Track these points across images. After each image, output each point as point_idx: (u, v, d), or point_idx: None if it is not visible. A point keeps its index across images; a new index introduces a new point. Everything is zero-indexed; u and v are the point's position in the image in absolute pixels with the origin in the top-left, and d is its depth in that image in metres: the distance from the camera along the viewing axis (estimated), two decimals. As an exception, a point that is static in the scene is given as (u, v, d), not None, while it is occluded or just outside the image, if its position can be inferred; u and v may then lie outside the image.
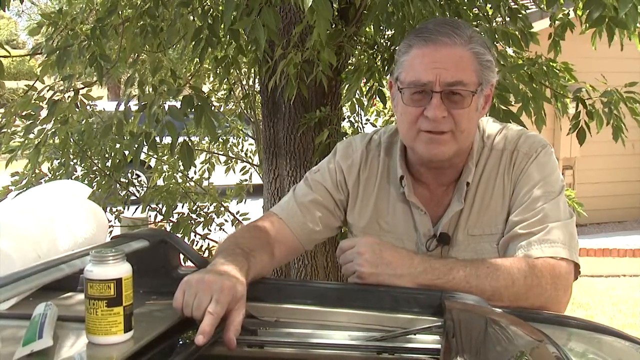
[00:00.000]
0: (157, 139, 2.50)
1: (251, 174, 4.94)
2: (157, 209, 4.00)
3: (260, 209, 3.80)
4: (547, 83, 2.86)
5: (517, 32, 2.69)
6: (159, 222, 4.04)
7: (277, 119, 3.24)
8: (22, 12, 22.07)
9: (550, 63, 2.92)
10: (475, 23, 2.70)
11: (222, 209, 4.30)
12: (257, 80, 4.27)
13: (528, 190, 1.40)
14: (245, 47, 2.80)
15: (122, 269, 1.02)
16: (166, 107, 2.46)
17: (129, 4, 3.19)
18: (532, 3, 3.41)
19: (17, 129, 3.24)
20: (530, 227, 1.36)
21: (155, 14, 2.71)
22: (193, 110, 2.42)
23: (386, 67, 2.81)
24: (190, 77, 4.41)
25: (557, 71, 2.94)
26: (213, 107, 2.68)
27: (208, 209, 4.25)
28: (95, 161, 3.65)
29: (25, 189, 3.30)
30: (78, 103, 2.93)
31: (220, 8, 2.56)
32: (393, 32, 2.74)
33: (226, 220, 4.27)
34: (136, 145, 2.48)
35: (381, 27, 2.94)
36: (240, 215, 4.18)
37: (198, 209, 4.15)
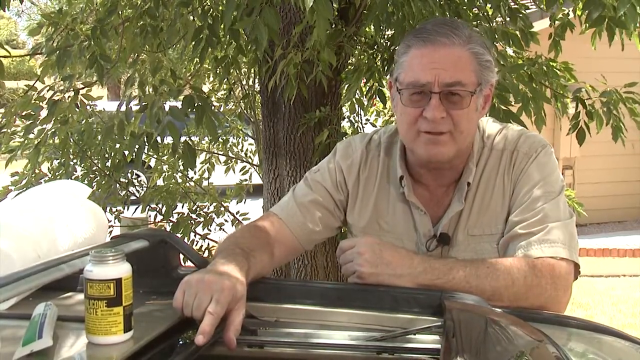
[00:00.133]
0: (159, 139, 2.50)
1: (251, 174, 4.94)
2: (157, 209, 4.00)
3: (260, 209, 3.80)
4: (547, 83, 2.86)
5: (517, 32, 2.69)
6: (158, 222, 4.04)
7: (277, 119, 3.24)
8: (22, 12, 22.08)
9: (550, 63, 2.92)
10: (475, 23, 2.70)
11: (222, 209, 4.30)
12: (257, 80, 4.27)
13: (528, 190, 1.40)
14: (245, 47, 2.80)
15: (122, 269, 1.02)
16: (166, 107, 2.47)
17: (129, 4, 3.19)
18: (532, 3, 3.41)
19: (17, 129, 3.24)
20: (530, 227, 1.36)
21: (155, 14, 2.71)
22: (194, 110, 2.42)
23: (386, 67, 2.81)
24: (190, 77, 4.41)
25: (557, 71, 2.94)
26: (213, 107, 2.68)
27: (208, 209, 4.25)
28: (95, 161, 3.65)
29: (25, 189, 3.30)
30: (78, 103, 2.93)
31: (221, 8, 2.56)
32: (393, 32, 2.74)
33: (226, 220, 4.27)
34: (137, 146, 2.48)
35: (381, 27, 2.94)
36: (240, 215, 4.17)
37: (198, 209, 4.15)
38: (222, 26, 2.52)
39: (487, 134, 1.49)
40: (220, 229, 4.15)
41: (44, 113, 2.95)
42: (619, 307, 5.66)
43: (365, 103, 3.65)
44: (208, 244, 4.08)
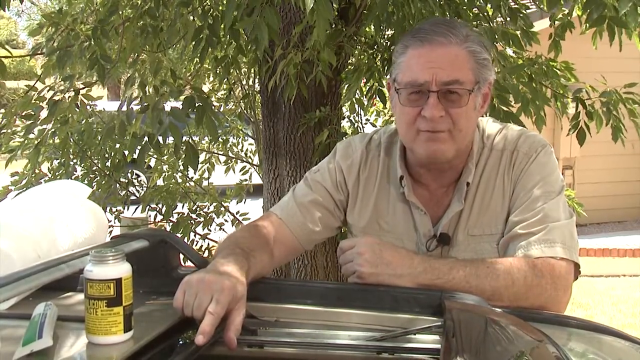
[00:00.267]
0: (160, 139, 2.50)
1: (251, 174, 4.94)
2: (157, 209, 4.00)
3: (260, 209, 3.80)
4: (547, 83, 2.86)
5: (517, 32, 2.69)
6: (158, 222, 4.04)
7: (277, 119, 3.24)
8: (22, 12, 22.09)
9: (550, 63, 2.92)
10: (475, 23, 2.70)
11: (222, 209, 4.30)
12: (257, 80, 4.27)
13: (528, 190, 1.40)
14: (245, 47, 2.80)
15: (122, 269, 1.02)
16: (167, 107, 2.47)
17: (129, 4, 3.19)
18: (533, 3, 3.41)
19: (17, 129, 3.24)
20: (530, 227, 1.36)
21: (155, 14, 2.71)
22: (194, 110, 2.42)
23: (386, 67, 2.81)
24: (190, 77, 4.41)
25: (557, 71, 2.94)
26: (213, 107, 2.68)
27: (208, 208, 4.25)
28: (95, 161, 3.65)
29: (25, 189, 3.30)
30: (78, 103, 2.93)
31: (221, 8, 2.56)
32: (393, 32, 2.74)
33: (226, 220, 4.27)
34: (140, 147, 2.48)
35: (381, 27, 2.95)
36: (240, 215, 4.17)
37: (198, 209, 4.15)
38: (222, 26, 2.52)
39: (487, 134, 1.49)
40: (220, 229, 4.15)
41: (44, 113, 2.95)
42: (619, 307, 5.66)
43: (365, 103, 3.65)
44: (208, 244, 4.08)
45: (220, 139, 4.71)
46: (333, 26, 2.73)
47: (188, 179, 4.49)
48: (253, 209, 4.30)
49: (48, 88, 2.96)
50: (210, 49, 2.56)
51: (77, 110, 2.98)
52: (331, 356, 1.17)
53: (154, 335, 1.06)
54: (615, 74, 3.96)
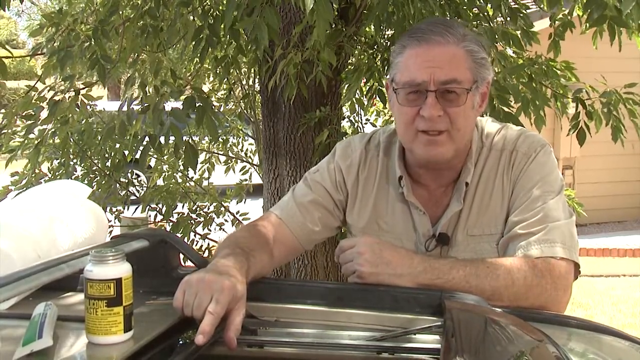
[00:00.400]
0: (162, 139, 2.50)
1: (251, 173, 4.94)
2: (157, 209, 4.00)
3: (260, 209, 3.80)
4: (547, 83, 2.87)
5: (517, 32, 2.69)
6: (159, 222, 4.04)
7: (277, 118, 3.24)
8: (22, 12, 22.10)
9: (550, 63, 2.92)
10: (475, 23, 2.70)
11: (222, 208, 4.30)
12: (257, 80, 4.27)
13: (527, 190, 1.40)
14: (245, 47, 2.80)
15: (122, 269, 1.02)
16: (167, 107, 2.47)
17: (130, 4, 3.19)
18: (533, 3, 3.41)
19: (18, 129, 3.24)
20: (529, 227, 1.36)
21: (155, 14, 2.71)
22: (194, 110, 2.42)
23: (386, 67, 2.81)
24: (190, 77, 4.41)
25: (557, 71, 2.94)
26: (213, 107, 2.68)
27: (208, 208, 4.25)
28: (95, 161, 3.65)
29: (25, 189, 3.30)
30: (78, 103, 2.93)
31: (221, 8, 2.56)
32: (393, 32, 2.74)
33: (226, 220, 4.27)
34: (142, 147, 2.48)
35: (381, 27, 2.95)
36: (240, 215, 4.17)
37: (198, 208, 4.15)
38: (222, 26, 2.52)
39: (486, 134, 1.49)
40: (220, 228, 4.15)
41: (44, 113, 2.95)
42: (619, 307, 5.66)
43: (365, 103, 3.65)
44: (208, 244, 4.08)
45: (220, 139, 4.71)
46: (333, 26, 2.74)
47: (188, 179, 4.49)
48: (253, 209, 4.30)
49: (48, 88, 2.97)
50: (210, 49, 2.56)
51: (78, 110, 2.98)
52: (331, 356, 1.17)
53: (154, 335, 1.06)
54: (615, 74, 3.96)
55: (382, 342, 1.16)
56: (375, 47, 2.99)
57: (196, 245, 4.02)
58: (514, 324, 1.12)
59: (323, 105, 3.11)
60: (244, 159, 5.07)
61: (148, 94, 2.98)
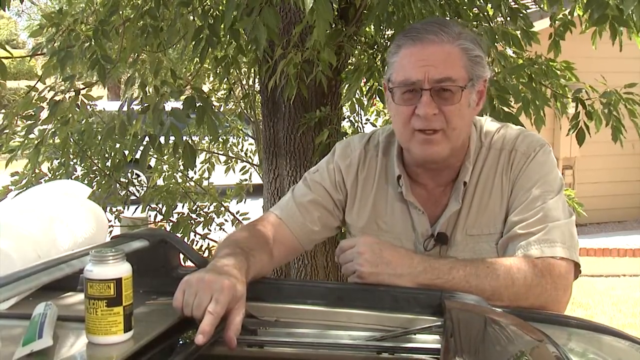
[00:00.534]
0: (162, 139, 2.50)
1: (251, 173, 4.94)
2: (157, 209, 4.00)
3: (260, 209, 3.81)
4: (546, 83, 2.87)
5: (517, 32, 2.69)
6: (159, 222, 4.04)
7: (277, 118, 3.24)
8: (22, 12, 22.11)
9: (550, 63, 2.92)
10: (475, 23, 2.71)
11: (222, 208, 4.30)
12: (257, 80, 4.27)
13: (527, 189, 1.40)
14: (245, 47, 2.80)
15: (122, 269, 1.02)
16: (167, 107, 2.47)
17: (130, 4, 3.19)
18: (533, 3, 3.41)
19: (18, 128, 3.24)
20: (529, 227, 1.36)
21: (155, 14, 2.71)
22: (194, 110, 2.42)
23: (386, 67, 2.81)
24: (190, 77, 4.41)
25: (557, 71, 2.94)
26: (213, 107, 2.68)
27: (208, 208, 4.26)
28: (95, 161, 3.66)
29: (25, 189, 3.30)
30: (79, 103, 2.93)
31: (221, 8, 2.56)
32: (393, 32, 2.74)
33: (226, 220, 4.27)
34: (142, 148, 2.47)
35: (381, 27, 2.95)
36: (240, 215, 4.18)
37: (198, 208, 4.15)
38: (222, 26, 2.53)
39: (485, 133, 1.49)
40: (220, 228, 4.15)
41: (44, 113, 2.95)
42: (619, 307, 5.66)
43: (366, 103, 3.65)
44: (208, 244, 4.08)
45: (220, 139, 4.72)
46: (333, 26, 2.74)
47: (188, 178, 4.49)
48: (253, 209, 4.30)
49: (49, 88, 2.97)
50: (210, 49, 2.56)
51: (78, 110, 2.98)
52: (331, 356, 1.17)
53: (154, 335, 1.06)
54: (615, 74, 3.96)
55: (382, 342, 1.16)
56: (376, 47, 2.99)
57: (196, 245, 4.02)
58: (514, 324, 1.12)
59: (323, 105, 3.11)
60: (244, 159, 5.07)
61: (148, 94, 2.99)
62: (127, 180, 3.92)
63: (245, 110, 4.89)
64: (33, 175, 3.50)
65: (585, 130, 2.85)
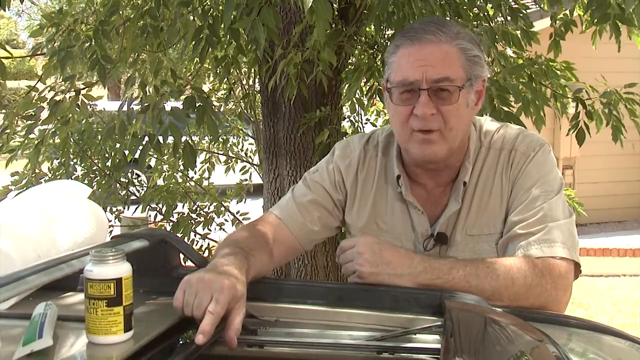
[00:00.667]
0: (161, 139, 2.50)
1: (251, 173, 4.94)
2: (157, 209, 4.00)
3: (260, 209, 3.81)
4: (546, 83, 2.87)
5: (517, 32, 2.69)
6: (159, 221, 4.04)
7: (277, 118, 3.24)
8: (22, 12, 22.11)
9: (550, 63, 2.92)
10: (475, 23, 2.71)
11: (222, 208, 4.30)
12: (257, 80, 4.28)
13: (527, 189, 1.40)
14: (245, 46, 2.80)
15: (122, 269, 1.02)
16: (167, 107, 2.47)
17: (130, 4, 3.19)
18: (533, 3, 3.41)
19: (18, 128, 3.24)
20: (529, 227, 1.36)
21: (155, 14, 2.71)
22: (194, 110, 2.42)
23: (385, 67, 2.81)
24: (190, 77, 4.41)
25: (557, 71, 2.94)
26: (213, 107, 2.68)
27: (208, 208, 4.26)
28: (95, 161, 3.66)
29: (25, 188, 3.30)
30: (79, 103, 2.93)
31: (220, 8, 2.56)
32: (393, 32, 2.74)
33: (226, 220, 4.27)
34: (142, 147, 2.48)
35: (381, 27, 2.95)
36: (240, 215, 4.18)
37: (198, 208, 4.15)
38: (222, 26, 2.53)
39: (484, 133, 1.49)
40: (221, 228, 4.15)
41: (44, 113, 2.95)
42: (619, 307, 5.66)
43: (366, 103, 3.65)
44: (208, 244, 4.08)
45: (220, 139, 4.72)
46: (333, 26, 2.74)
47: (188, 178, 4.49)
48: (253, 209, 4.30)
49: (49, 88, 2.97)
50: (210, 49, 2.56)
51: (78, 110, 2.98)
52: (331, 356, 1.17)
53: (154, 335, 1.06)
54: (615, 74, 3.96)
55: (382, 342, 1.16)
56: (376, 47, 2.99)
57: (196, 245, 4.02)
58: (514, 324, 1.12)
59: (323, 105, 3.11)
60: (244, 159, 5.07)
61: (148, 94, 2.99)
62: (127, 180, 3.92)
63: (245, 110, 4.89)
64: (33, 175, 3.50)
65: (585, 130, 2.85)
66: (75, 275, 1.21)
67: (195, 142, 4.72)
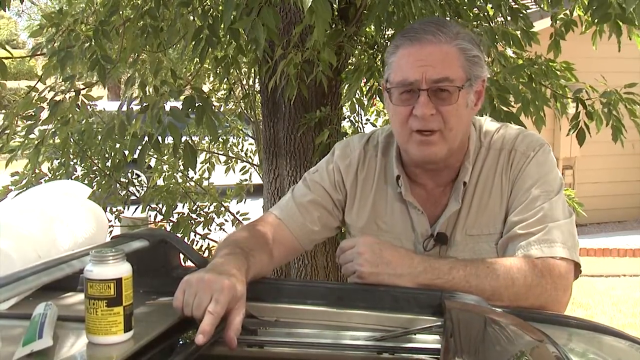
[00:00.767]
0: (160, 139, 2.50)
1: (251, 173, 4.94)
2: (157, 209, 4.00)
3: (260, 209, 3.81)
4: (546, 83, 2.87)
5: (517, 33, 2.69)
6: (159, 222, 4.05)
7: (277, 119, 3.24)
8: (22, 12, 22.12)
9: (550, 63, 2.92)
10: (475, 23, 2.71)
11: (222, 208, 4.30)
12: (257, 80, 4.28)
13: (526, 189, 1.40)
14: (245, 47, 2.80)
15: (122, 269, 1.02)
16: (167, 107, 2.47)
17: (130, 5, 3.19)
18: (533, 3, 3.41)
19: (18, 129, 3.24)
20: (529, 227, 1.36)
21: (155, 14, 2.71)
22: (194, 110, 2.42)
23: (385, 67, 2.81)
24: (190, 77, 4.41)
25: (557, 71, 2.94)
26: (213, 107, 2.68)
27: (208, 208, 4.26)
28: (96, 161, 3.66)
29: (25, 189, 3.30)
30: (79, 103, 2.93)
31: (220, 8, 2.56)
32: (393, 32, 2.74)
33: (226, 220, 4.27)
34: (141, 147, 2.48)
35: (382, 27, 2.95)
36: (240, 215, 4.18)
37: (198, 208, 4.16)
38: (222, 26, 2.53)
39: (484, 133, 1.49)
40: (221, 228, 4.15)
41: (44, 114, 2.95)
42: (619, 307, 5.66)
43: (366, 103, 3.66)
44: (208, 244, 4.09)
45: (220, 139, 4.72)
46: (333, 26, 2.74)
47: (188, 179, 4.49)
48: (253, 209, 4.30)
49: (49, 88, 2.97)
50: (210, 49, 2.56)
51: (78, 110, 2.98)
52: (331, 356, 1.17)
53: (154, 335, 1.06)
54: (615, 74, 3.96)
55: (383, 342, 1.16)
56: (376, 47, 2.99)
57: (196, 245, 4.02)
58: (514, 324, 1.12)
59: (323, 105, 3.11)
60: (244, 159, 5.07)
61: (148, 94, 2.99)
62: (127, 180, 3.92)
63: (245, 111, 4.89)
64: (33, 175, 3.50)
65: (585, 130, 2.85)
66: (76, 276, 1.21)
67: (196, 142, 4.72)
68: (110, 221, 3.62)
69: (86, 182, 3.64)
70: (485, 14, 2.81)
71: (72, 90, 2.91)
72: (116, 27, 2.90)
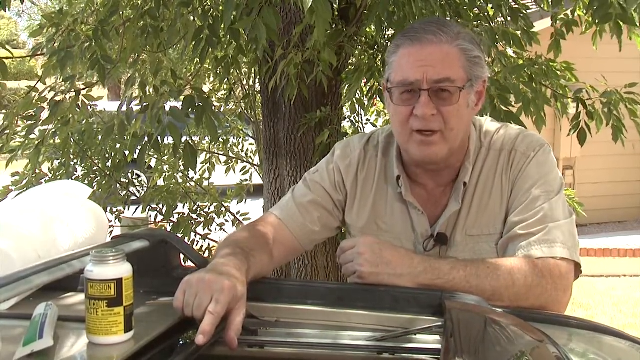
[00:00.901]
0: (160, 139, 2.50)
1: (251, 174, 4.94)
2: (158, 209, 4.00)
3: (261, 209, 3.81)
4: (547, 83, 2.87)
5: (517, 33, 2.69)
6: (159, 222, 4.05)
7: (277, 119, 3.24)
8: (22, 12, 22.12)
9: (550, 63, 2.92)
10: (475, 23, 2.71)
11: (223, 209, 4.30)
12: (257, 80, 4.28)
13: (527, 190, 1.40)
14: (245, 47, 2.81)
15: (122, 269, 1.02)
16: (167, 107, 2.47)
17: (130, 5, 3.19)
18: (533, 3, 3.41)
19: (18, 129, 3.24)
20: (529, 228, 1.36)
21: (156, 14, 2.71)
22: (194, 110, 2.42)
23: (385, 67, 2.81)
24: (191, 78, 4.41)
25: (557, 71, 2.94)
26: (213, 107, 2.68)
27: (208, 209, 4.26)
28: (96, 161, 3.66)
29: (25, 189, 3.31)
30: (79, 103, 2.93)
31: (221, 8, 2.56)
32: (394, 32, 2.74)
33: (226, 221, 4.27)
34: (140, 147, 2.48)
35: (382, 27, 2.95)
36: (240, 216, 4.18)
37: (198, 209, 4.16)
38: (222, 26, 2.53)
39: (484, 133, 1.49)
40: (221, 229, 4.15)
41: (45, 114, 2.95)
42: (619, 307, 5.66)
43: (366, 103, 3.66)
44: (208, 244, 4.09)
45: (220, 139, 4.72)
46: (334, 26, 2.74)
47: (188, 179, 4.49)
48: (253, 209, 4.30)
49: (49, 89, 2.97)
50: (210, 49, 2.56)
51: (78, 110, 2.98)
52: (332, 356, 1.17)
53: (154, 336, 1.06)
54: (615, 74, 3.96)
55: (383, 343, 1.16)
56: (376, 47, 2.99)
57: (197, 245, 4.02)
58: (515, 324, 1.12)
59: (324, 106, 3.11)
60: (245, 159, 5.07)
61: (148, 94, 2.99)
62: (127, 181, 3.92)
63: (245, 111, 4.89)
64: (33, 175, 3.50)
65: (586, 130, 2.85)
66: (76, 276, 1.21)
67: (196, 142, 4.72)
68: (110, 221, 3.62)
69: (86, 182, 3.64)
70: (486, 14, 2.81)
71: (73, 90, 2.91)
72: (116, 27, 2.90)
